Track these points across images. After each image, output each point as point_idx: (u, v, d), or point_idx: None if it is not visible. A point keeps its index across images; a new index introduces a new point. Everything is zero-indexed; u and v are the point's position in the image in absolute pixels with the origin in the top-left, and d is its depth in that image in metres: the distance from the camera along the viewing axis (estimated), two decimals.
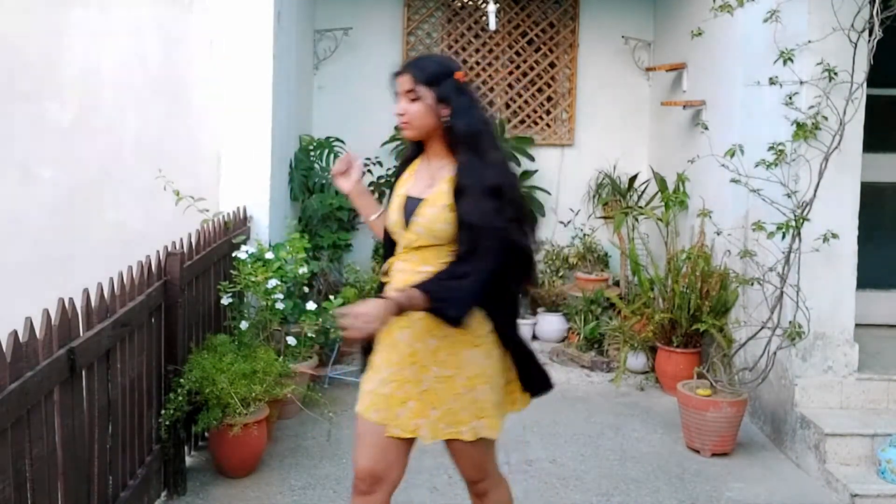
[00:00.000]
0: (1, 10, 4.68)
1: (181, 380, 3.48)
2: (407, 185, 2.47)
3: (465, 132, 2.33)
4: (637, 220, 5.94)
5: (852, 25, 3.87)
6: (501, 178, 2.33)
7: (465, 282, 2.27)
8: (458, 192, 2.30)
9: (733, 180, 4.28)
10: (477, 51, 6.58)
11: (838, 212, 4.06)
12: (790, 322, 4.03)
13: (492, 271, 2.29)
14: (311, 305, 4.45)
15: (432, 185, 2.38)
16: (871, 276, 4.74)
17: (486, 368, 2.41)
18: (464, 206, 2.28)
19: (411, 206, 2.40)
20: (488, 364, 2.42)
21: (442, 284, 2.27)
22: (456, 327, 2.30)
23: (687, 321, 4.85)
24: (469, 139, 2.33)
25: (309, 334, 4.45)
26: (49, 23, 4.68)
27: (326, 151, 5.82)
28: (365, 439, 2.43)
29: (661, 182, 5.87)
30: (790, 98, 4.06)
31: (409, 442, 2.45)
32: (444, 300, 2.26)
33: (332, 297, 4.95)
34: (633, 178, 6.37)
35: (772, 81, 4.10)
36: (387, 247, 2.58)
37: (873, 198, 4.75)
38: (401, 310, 2.21)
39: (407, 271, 2.40)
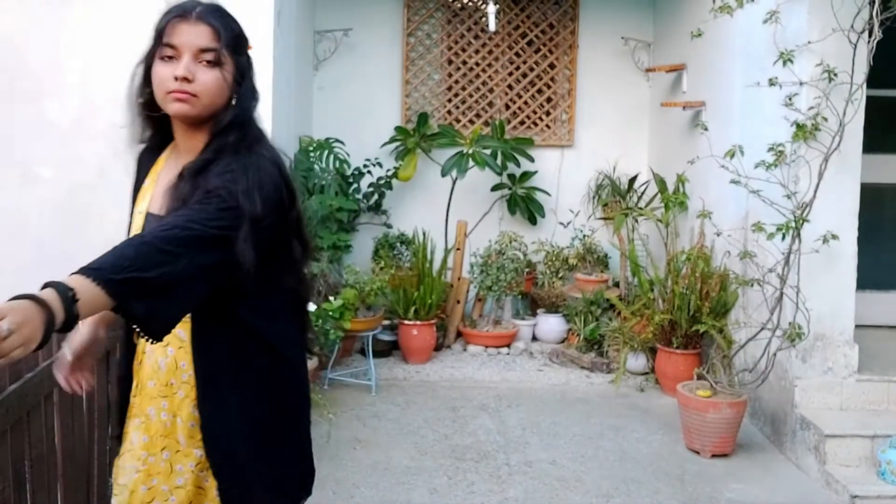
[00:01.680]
0: (1, 10, 4.68)
1: None
2: (148, 195, 1.72)
3: (243, 124, 1.64)
4: (637, 221, 5.94)
5: (852, 26, 3.87)
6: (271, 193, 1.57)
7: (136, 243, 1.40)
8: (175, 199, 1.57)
9: (733, 181, 4.28)
10: (477, 52, 6.58)
11: (838, 212, 4.06)
12: (790, 323, 4.03)
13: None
14: (310, 306, 4.44)
15: None
16: (871, 276, 4.75)
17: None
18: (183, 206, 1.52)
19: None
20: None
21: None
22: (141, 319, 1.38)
23: (687, 322, 4.85)
24: (243, 134, 1.64)
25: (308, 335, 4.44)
26: (49, 23, 4.68)
27: (326, 152, 5.82)
28: None
29: (661, 183, 5.87)
30: (790, 99, 4.07)
31: None
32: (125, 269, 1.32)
33: (331, 298, 4.95)
34: (632, 179, 6.37)
35: (771, 82, 4.10)
36: None
37: (873, 198, 4.75)
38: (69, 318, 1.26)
39: None
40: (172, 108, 1.60)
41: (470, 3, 6.58)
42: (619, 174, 6.46)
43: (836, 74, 3.93)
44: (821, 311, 4.09)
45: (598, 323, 5.75)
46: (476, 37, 6.57)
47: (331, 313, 4.82)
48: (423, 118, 6.27)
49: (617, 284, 6.25)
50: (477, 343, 5.92)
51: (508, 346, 5.96)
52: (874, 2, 3.79)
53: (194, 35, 1.59)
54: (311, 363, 4.58)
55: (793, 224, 3.94)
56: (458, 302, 6.05)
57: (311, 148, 5.78)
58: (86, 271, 1.29)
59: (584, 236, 6.42)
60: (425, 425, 4.48)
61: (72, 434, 2.53)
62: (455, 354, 5.87)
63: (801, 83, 4.03)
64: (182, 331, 1.64)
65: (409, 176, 6.15)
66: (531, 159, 6.38)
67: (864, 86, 3.95)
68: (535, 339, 6.15)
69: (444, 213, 6.22)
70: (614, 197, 6.38)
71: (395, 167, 6.26)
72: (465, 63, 6.57)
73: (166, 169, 1.71)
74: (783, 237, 3.98)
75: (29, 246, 4.70)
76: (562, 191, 6.58)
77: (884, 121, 4.83)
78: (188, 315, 1.57)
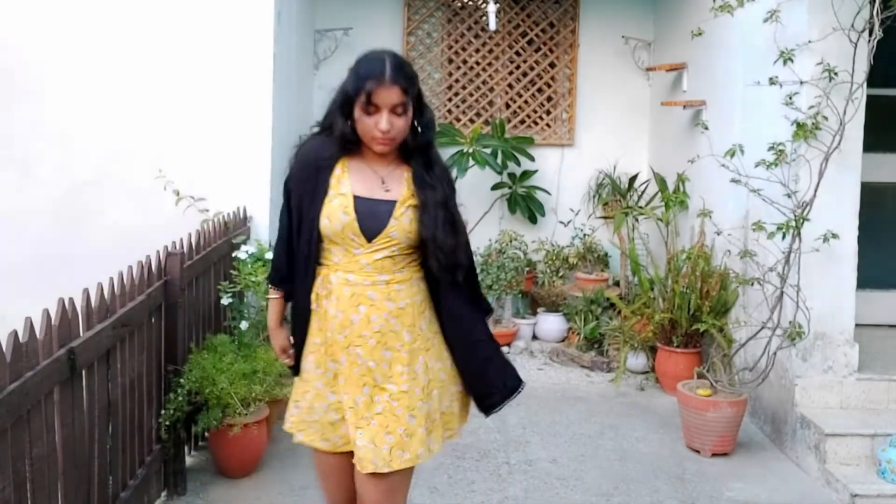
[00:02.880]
0: (1, 9, 4.68)
1: (181, 380, 3.48)
2: (345, 183, 2.22)
3: (427, 141, 2.25)
4: (637, 220, 5.94)
5: (852, 25, 3.87)
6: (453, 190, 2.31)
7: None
8: (429, 199, 2.21)
9: (733, 180, 4.28)
10: (477, 51, 6.58)
11: (838, 212, 4.06)
12: (790, 322, 4.03)
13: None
14: None
15: (388, 188, 2.22)
16: (871, 276, 4.74)
17: (439, 373, 2.29)
18: (450, 216, 2.23)
19: (372, 207, 2.18)
20: (440, 368, 2.29)
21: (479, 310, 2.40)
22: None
23: (687, 321, 4.85)
24: (428, 148, 2.26)
25: None
26: (49, 22, 4.68)
27: None
28: (326, 476, 2.36)
29: (661, 182, 5.87)
30: (790, 98, 4.06)
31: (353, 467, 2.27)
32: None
33: None
34: (633, 178, 6.37)
35: (772, 81, 4.09)
36: (307, 255, 2.26)
37: (873, 198, 4.75)
38: None
39: (359, 284, 2.19)
40: (378, 148, 2.18)
41: (470, 3, 6.58)
42: (620, 173, 6.46)
43: (836, 73, 3.93)
44: (821, 310, 4.09)
45: (598, 322, 5.75)
46: (476, 36, 6.57)
47: None
48: None
49: (617, 283, 6.25)
50: None
51: (509, 344, 5.96)
52: (874, 1, 3.79)
53: (390, 96, 2.10)
54: None
55: (793, 223, 3.94)
56: None
57: None
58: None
59: (585, 235, 6.42)
60: None
61: (72, 433, 2.53)
62: None
63: (801, 82, 4.03)
64: (372, 293, 2.19)
65: None
66: (531, 158, 6.38)
67: (865, 85, 3.95)
68: (535, 337, 6.15)
69: None
70: (614, 196, 6.38)
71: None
72: (465, 62, 6.57)
73: (354, 166, 2.23)
74: (783, 236, 3.98)
75: (29, 246, 4.70)
76: (562, 190, 6.58)
77: (884, 120, 4.83)
78: (382, 280, 2.20)
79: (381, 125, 2.12)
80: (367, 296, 2.19)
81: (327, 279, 2.23)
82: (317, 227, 2.19)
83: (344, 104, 2.16)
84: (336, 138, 2.20)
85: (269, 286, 2.45)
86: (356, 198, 2.19)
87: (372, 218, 2.17)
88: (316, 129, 2.29)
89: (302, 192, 2.24)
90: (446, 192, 2.23)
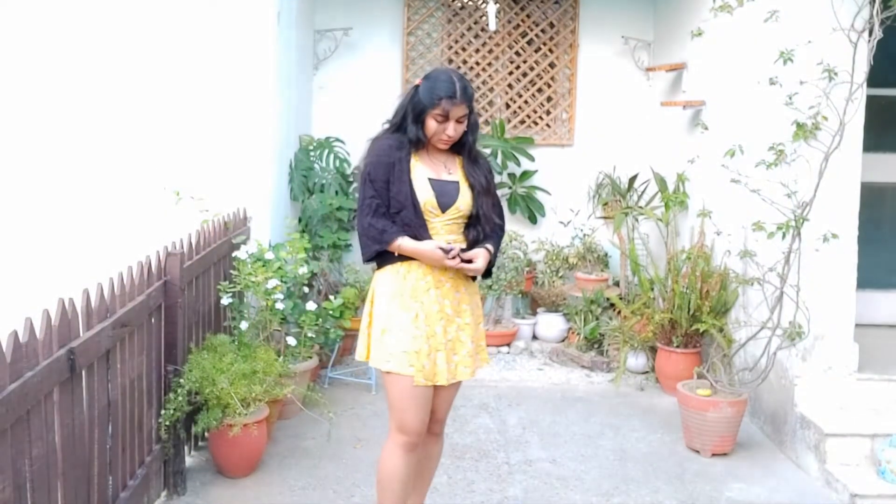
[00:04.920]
0: (1, 9, 4.69)
1: (181, 380, 3.48)
2: (420, 169, 2.81)
3: (474, 139, 2.90)
4: (637, 220, 5.94)
5: (852, 25, 3.87)
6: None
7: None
8: (478, 182, 2.86)
9: (733, 180, 4.28)
10: (477, 51, 6.58)
11: (838, 212, 4.07)
12: (790, 322, 4.03)
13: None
14: (311, 305, 4.45)
15: (450, 171, 2.85)
16: (871, 276, 4.74)
17: (482, 311, 2.99)
18: (492, 196, 2.92)
19: (443, 186, 2.80)
20: (482, 307, 3.00)
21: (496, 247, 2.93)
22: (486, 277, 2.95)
23: (687, 321, 4.85)
24: (474, 144, 2.91)
25: (309, 334, 4.45)
26: (49, 22, 4.68)
27: (326, 151, 5.82)
28: (411, 399, 2.74)
29: (661, 182, 5.87)
30: (790, 98, 4.06)
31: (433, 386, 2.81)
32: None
33: (332, 297, 4.95)
34: (633, 179, 6.36)
35: (772, 81, 4.10)
36: (415, 226, 2.77)
37: (873, 198, 4.75)
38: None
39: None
40: (441, 146, 2.83)
41: (470, 3, 6.58)
42: (620, 173, 6.46)
43: (836, 73, 3.93)
44: (821, 310, 4.09)
45: (598, 322, 5.75)
46: (476, 36, 6.57)
47: (331, 312, 4.82)
48: None
49: (617, 283, 6.25)
50: None
51: (509, 345, 5.96)
52: (874, 1, 3.79)
53: (458, 110, 2.74)
54: (312, 362, 4.59)
55: (793, 223, 3.94)
56: None
57: (311, 147, 5.79)
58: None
59: (585, 235, 6.41)
60: None
61: (72, 433, 2.53)
62: None
63: (801, 82, 4.03)
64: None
65: None
66: (531, 158, 6.38)
67: (865, 85, 3.95)
68: (535, 338, 6.15)
69: None
70: (614, 196, 6.38)
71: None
72: (465, 62, 6.56)
73: (423, 155, 2.84)
74: (783, 236, 3.98)
75: (29, 246, 4.70)
76: (562, 190, 6.57)
77: (884, 120, 4.83)
78: (451, 240, 2.80)
79: (449, 131, 2.77)
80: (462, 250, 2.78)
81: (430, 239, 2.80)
82: (416, 200, 2.75)
83: (418, 114, 2.76)
84: (412, 141, 2.79)
85: (395, 242, 2.76)
86: (430, 179, 2.80)
87: (444, 195, 2.79)
88: (386, 126, 2.89)
89: (386, 177, 2.77)
90: (489, 178, 2.91)
